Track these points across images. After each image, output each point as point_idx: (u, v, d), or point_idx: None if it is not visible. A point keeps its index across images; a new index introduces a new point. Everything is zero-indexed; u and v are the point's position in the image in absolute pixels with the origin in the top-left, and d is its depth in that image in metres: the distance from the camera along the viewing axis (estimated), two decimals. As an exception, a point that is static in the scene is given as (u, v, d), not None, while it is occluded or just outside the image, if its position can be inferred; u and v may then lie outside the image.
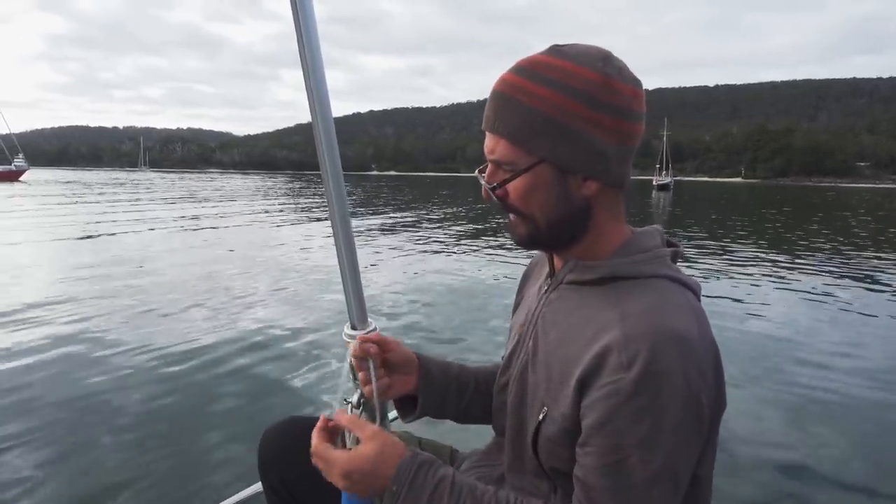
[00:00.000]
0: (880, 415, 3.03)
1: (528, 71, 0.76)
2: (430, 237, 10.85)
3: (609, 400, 0.69)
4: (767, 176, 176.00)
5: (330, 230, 0.86)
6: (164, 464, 2.35)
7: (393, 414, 1.02)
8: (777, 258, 8.91)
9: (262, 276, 6.47)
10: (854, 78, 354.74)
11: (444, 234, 11.58)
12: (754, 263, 8.21)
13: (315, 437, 0.80)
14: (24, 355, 3.64)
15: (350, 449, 0.78)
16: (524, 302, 0.98)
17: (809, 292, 6.23)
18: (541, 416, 0.79)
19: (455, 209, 19.71)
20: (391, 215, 16.44)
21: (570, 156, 0.75)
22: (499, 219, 14.70)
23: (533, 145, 0.75)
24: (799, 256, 9.19)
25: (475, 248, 9.33)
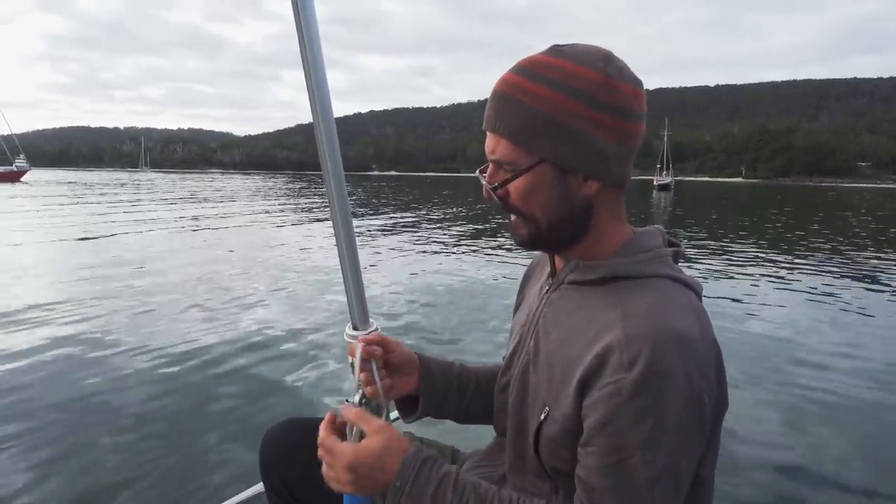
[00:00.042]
0: (880, 415, 3.03)
1: (528, 71, 0.76)
2: (430, 237, 10.85)
3: (611, 400, 0.68)
4: (768, 176, 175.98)
5: (330, 230, 0.86)
6: (165, 464, 2.35)
7: (394, 414, 1.02)
8: (777, 258, 8.90)
9: (263, 277, 6.47)
10: (855, 78, 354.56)
11: (445, 234, 11.58)
12: (755, 263, 8.21)
13: (323, 430, 0.81)
14: (25, 356, 3.65)
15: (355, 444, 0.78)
16: (525, 302, 0.98)
17: (810, 292, 6.22)
18: (542, 416, 0.79)
19: (455, 209, 19.71)
20: (392, 215, 16.43)
21: (570, 156, 0.75)
22: (499, 218, 14.69)
23: (534, 145, 0.75)
24: (799, 256, 9.18)
25: (475, 248, 9.32)
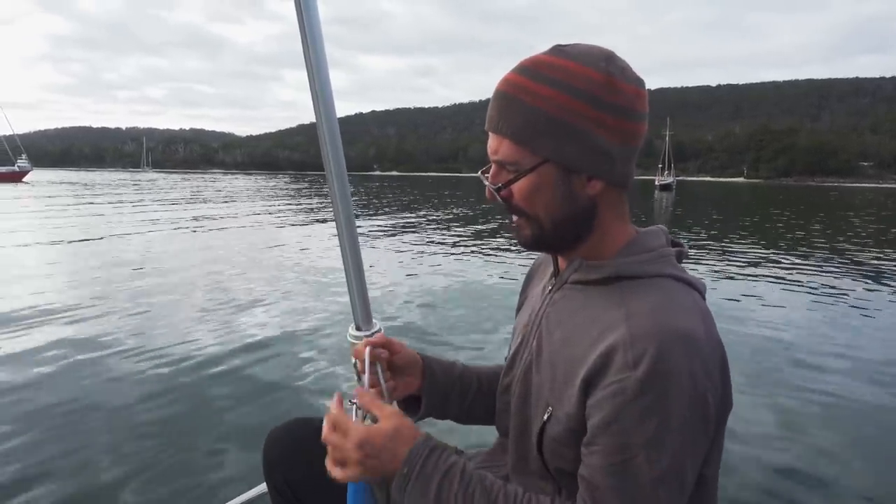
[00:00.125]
0: (881, 417, 3.03)
1: (531, 71, 0.76)
2: (432, 238, 10.85)
3: (615, 399, 0.68)
4: (770, 176, 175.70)
5: (332, 231, 0.94)
6: (168, 465, 2.35)
7: None
8: (778, 258, 8.89)
9: (265, 278, 6.48)
10: (857, 77, 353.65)
11: (446, 234, 11.59)
12: (755, 264, 8.20)
13: (335, 408, 0.80)
14: (28, 356, 3.66)
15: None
16: (528, 302, 0.98)
17: (811, 293, 6.22)
18: (545, 417, 0.79)
19: (457, 210, 19.71)
20: (393, 216, 16.44)
21: (574, 155, 0.75)
22: (499, 218, 14.69)
23: (537, 145, 0.75)
24: (801, 257, 9.16)
25: (477, 248, 9.33)
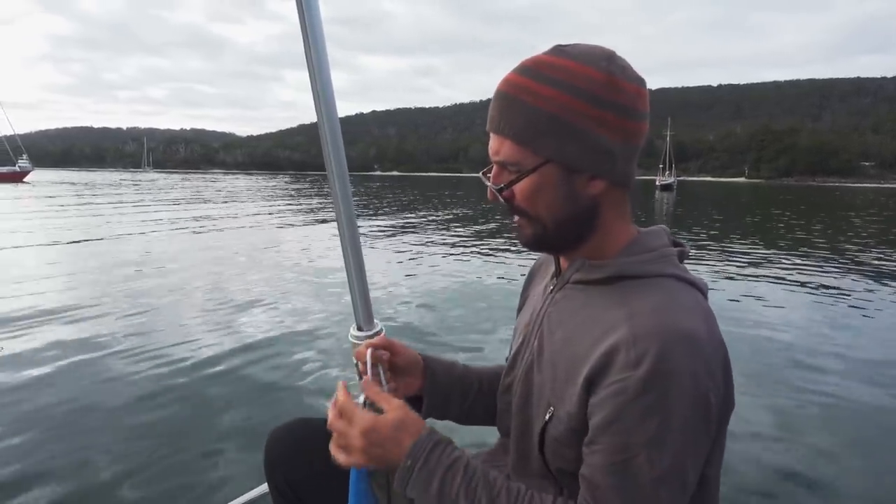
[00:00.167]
0: (881, 418, 3.04)
1: (532, 71, 0.75)
2: (432, 238, 10.86)
3: (617, 398, 0.68)
4: (771, 176, 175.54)
5: (333, 231, 0.99)
6: (169, 465, 2.36)
7: None
8: (779, 259, 8.89)
9: (266, 278, 6.49)
10: (858, 77, 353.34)
11: (447, 234, 11.59)
12: (756, 264, 8.20)
13: (342, 396, 0.81)
14: (28, 357, 3.67)
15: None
16: (529, 302, 0.98)
17: (812, 293, 6.22)
18: (547, 416, 0.79)
19: (457, 210, 19.72)
20: (394, 216, 16.45)
21: (576, 155, 0.75)
22: (498, 217, 14.69)
23: (538, 145, 0.75)
24: (801, 257, 9.16)
25: (477, 249, 9.33)
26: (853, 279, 7.21)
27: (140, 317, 4.66)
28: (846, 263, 8.65)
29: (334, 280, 6.29)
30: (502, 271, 7.17)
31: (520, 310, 1.01)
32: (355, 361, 0.89)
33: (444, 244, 9.88)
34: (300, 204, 21.75)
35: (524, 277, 1.04)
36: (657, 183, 55.99)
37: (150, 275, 6.55)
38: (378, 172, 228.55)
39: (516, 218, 0.82)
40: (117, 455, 2.43)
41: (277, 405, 2.99)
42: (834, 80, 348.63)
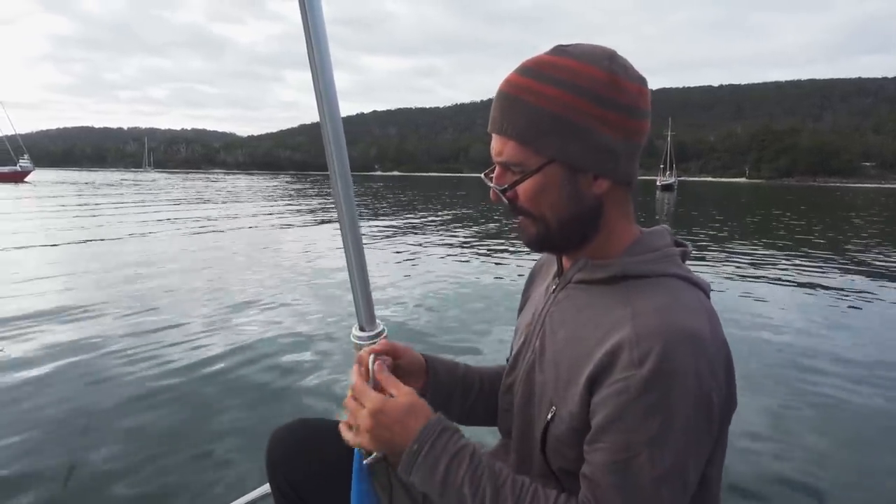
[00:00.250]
0: (879, 419, 3.05)
1: (533, 71, 0.76)
2: (433, 239, 10.87)
3: (619, 397, 0.68)
4: (772, 176, 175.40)
5: (334, 231, 0.99)
6: (171, 465, 2.37)
7: None
8: (779, 259, 8.89)
9: (267, 278, 6.50)
10: (859, 78, 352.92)
11: (447, 235, 11.60)
12: (756, 264, 8.20)
13: (356, 376, 0.82)
14: (29, 358, 3.68)
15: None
16: (530, 302, 0.98)
17: (812, 294, 6.24)
18: (549, 416, 0.79)
19: (458, 210, 19.73)
20: (394, 216, 16.46)
21: (579, 154, 0.75)
22: (499, 217, 14.69)
23: (541, 145, 0.75)
24: (802, 257, 9.16)
25: (478, 249, 9.34)
26: (853, 279, 7.21)
27: (140, 317, 4.67)
28: (846, 264, 8.65)
29: (335, 280, 6.30)
30: (502, 272, 7.18)
31: (521, 310, 1.01)
32: (357, 364, 0.88)
33: (444, 245, 9.89)
34: (301, 204, 21.77)
35: (524, 278, 1.04)
36: (658, 183, 55.93)
37: (150, 275, 6.56)
38: (379, 172, 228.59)
39: (519, 218, 0.81)
40: (118, 455, 2.44)
41: (279, 406, 3.00)
42: (835, 80, 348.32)
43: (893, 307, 5.74)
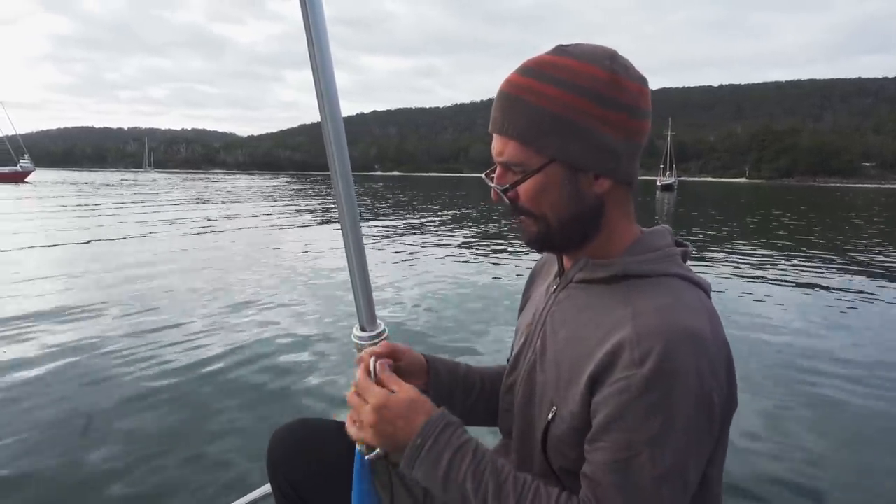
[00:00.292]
0: (877, 420, 3.05)
1: (534, 71, 0.76)
2: (432, 239, 10.87)
3: (620, 396, 0.68)
4: (772, 176, 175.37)
5: (335, 232, 0.96)
6: (172, 466, 2.38)
7: None
8: (779, 259, 8.89)
9: (267, 279, 6.51)
10: (860, 78, 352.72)
11: (447, 235, 11.61)
12: (755, 265, 8.21)
13: (361, 373, 0.83)
14: (29, 358, 3.69)
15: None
16: (531, 302, 0.97)
17: (811, 294, 6.24)
18: (550, 416, 0.79)
19: (458, 210, 19.73)
20: (394, 216, 16.46)
21: (580, 153, 0.75)
22: (498, 217, 14.70)
23: (543, 145, 0.75)
24: (801, 257, 9.17)
25: (478, 249, 9.34)
26: (852, 280, 7.22)
27: (140, 318, 4.68)
28: (845, 264, 8.66)
29: (335, 281, 6.31)
30: (502, 272, 7.19)
31: (521, 310, 1.01)
32: (357, 365, 0.88)
33: (443, 245, 9.90)
34: (301, 204, 21.75)
35: (524, 278, 1.04)
36: (658, 183, 55.89)
37: (150, 276, 6.57)
38: (379, 172, 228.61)
39: (521, 218, 0.82)
40: (119, 456, 2.44)
41: (279, 406, 3.01)
42: (835, 80, 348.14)
43: (893, 307, 5.75)
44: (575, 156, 0.75)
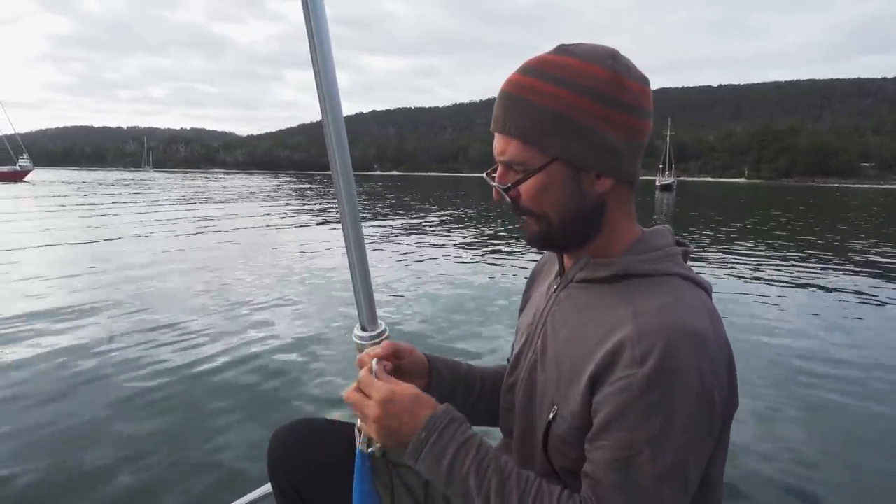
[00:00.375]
0: (875, 420, 3.06)
1: (536, 70, 0.76)
2: (432, 239, 10.87)
3: (621, 395, 0.68)
4: (772, 176, 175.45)
5: (335, 232, 0.98)
6: (172, 466, 2.38)
7: None
8: (777, 260, 8.90)
9: (268, 278, 6.51)
10: (859, 78, 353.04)
11: (446, 235, 11.61)
12: (754, 265, 8.21)
13: (364, 372, 0.82)
14: (29, 359, 3.69)
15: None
16: (531, 302, 0.98)
17: (809, 295, 6.25)
18: (551, 416, 0.79)
19: (457, 210, 19.74)
20: (393, 216, 16.46)
21: (582, 152, 0.75)
22: (498, 217, 14.70)
23: (545, 144, 0.75)
24: (800, 258, 9.18)
25: (478, 249, 9.35)
26: (851, 280, 7.23)
27: (140, 318, 4.68)
28: (845, 264, 8.67)
29: (335, 281, 6.31)
30: (501, 272, 7.19)
31: (522, 310, 1.01)
32: (358, 366, 0.88)
33: (443, 245, 9.90)
34: (301, 204, 21.76)
35: (523, 278, 1.08)
36: (657, 183, 55.91)
37: (149, 276, 6.56)
38: (378, 172, 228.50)
39: (524, 217, 0.82)
40: (118, 456, 2.44)
41: (280, 406, 3.01)
42: (834, 80, 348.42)
43: (891, 308, 5.75)
44: (577, 155, 0.75)
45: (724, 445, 0.77)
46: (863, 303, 5.90)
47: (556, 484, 0.77)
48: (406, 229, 12.68)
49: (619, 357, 0.69)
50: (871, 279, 7.40)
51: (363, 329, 0.90)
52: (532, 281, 1.03)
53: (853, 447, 2.73)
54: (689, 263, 0.84)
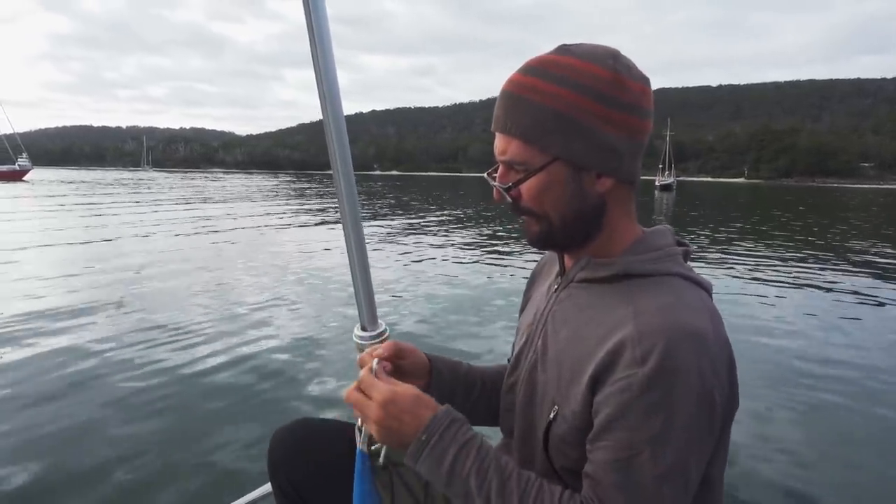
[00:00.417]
0: (873, 420, 3.06)
1: (538, 70, 0.76)
2: (432, 239, 10.87)
3: (622, 395, 0.68)
4: (771, 176, 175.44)
5: (334, 232, 0.99)
6: (172, 465, 2.39)
7: None
8: (776, 260, 8.90)
9: (267, 279, 6.51)
10: (859, 78, 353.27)
11: (446, 235, 11.61)
12: (754, 265, 8.22)
13: (364, 372, 0.82)
14: (28, 359, 3.69)
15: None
16: (532, 302, 0.98)
17: (808, 295, 6.25)
18: (551, 415, 0.79)
19: (456, 210, 19.73)
20: (393, 216, 16.46)
21: (583, 152, 0.75)
22: (497, 217, 14.70)
23: (546, 143, 0.75)
24: (799, 258, 9.18)
25: (478, 249, 9.34)
26: (851, 281, 7.23)
27: (139, 318, 4.67)
28: (844, 264, 8.67)
29: (335, 281, 6.30)
30: (501, 272, 7.19)
31: (522, 310, 1.01)
32: (359, 366, 0.87)
33: (442, 245, 9.90)
34: (301, 204, 21.75)
35: (523, 278, 1.08)
36: (657, 183, 55.87)
37: (149, 276, 6.56)
38: (377, 172, 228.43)
39: (523, 217, 0.82)
40: (118, 456, 2.44)
41: (280, 406, 3.01)
42: (834, 80, 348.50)
43: (890, 308, 5.75)
44: (578, 154, 0.75)
45: (724, 445, 0.77)
46: (861, 303, 5.91)
47: (556, 484, 0.77)
48: (405, 229, 12.67)
49: (619, 357, 0.69)
50: (870, 279, 7.41)
51: (363, 329, 0.90)
52: (532, 281, 1.03)
53: (852, 447, 2.73)
54: (689, 263, 0.84)
